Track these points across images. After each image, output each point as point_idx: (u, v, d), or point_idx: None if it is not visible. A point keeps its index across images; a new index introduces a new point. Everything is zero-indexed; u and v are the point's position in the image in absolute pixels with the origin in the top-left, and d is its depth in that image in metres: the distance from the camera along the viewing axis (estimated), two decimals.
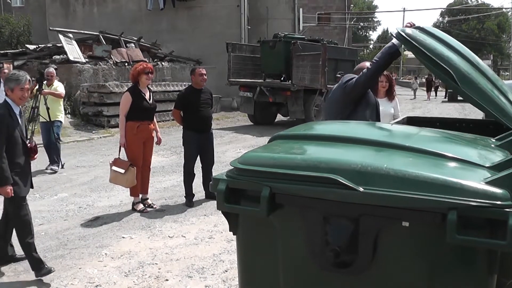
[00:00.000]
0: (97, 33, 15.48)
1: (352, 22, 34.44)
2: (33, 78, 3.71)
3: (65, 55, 13.37)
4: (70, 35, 14.37)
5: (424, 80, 33.55)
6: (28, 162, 3.79)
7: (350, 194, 1.68)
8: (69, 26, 16.48)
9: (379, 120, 3.40)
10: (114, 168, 5.26)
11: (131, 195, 5.56)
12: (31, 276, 3.73)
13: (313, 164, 1.80)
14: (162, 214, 5.36)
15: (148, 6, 18.74)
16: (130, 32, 16.79)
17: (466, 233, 1.53)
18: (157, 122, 6.00)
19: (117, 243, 4.47)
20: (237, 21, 18.60)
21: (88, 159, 8.51)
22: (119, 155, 5.41)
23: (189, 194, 5.79)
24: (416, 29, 2.61)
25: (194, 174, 5.86)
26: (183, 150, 5.97)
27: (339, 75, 10.66)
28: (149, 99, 5.49)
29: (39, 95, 7.20)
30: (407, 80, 45.88)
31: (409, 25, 2.82)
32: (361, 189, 1.67)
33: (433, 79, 28.30)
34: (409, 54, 51.60)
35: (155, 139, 5.74)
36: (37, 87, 7.16)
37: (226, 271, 3.85)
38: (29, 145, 3.76)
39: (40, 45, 15.03)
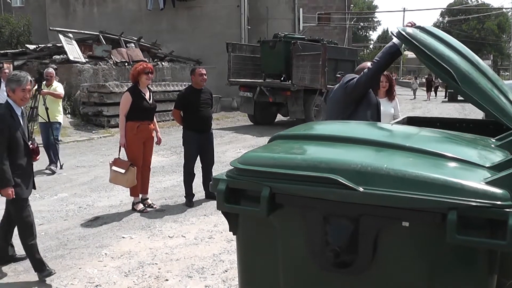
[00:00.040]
0: (97, 33, 15.48)
1: (352, 22, 34.44)
2: (32, 78, 3.70)
3: (65, 55, 13.37)
4: (70, 35, 14.36)
5: (424, 80, 33.55)
6: (30, 164, 3.76)
7: (350, 194, 1.67)
8: (69, 26, 16.48)
9: (379, 120, 3.40)
10: (114, 168, 5.26)
11: (131, 195, 5.56)
12: (31, 276, 3.73)
13: (313, 164, 1.80)
14: (162, 214, 5.36)
15: (148, 6, 18.74)
16: (130, 32, 16.79)
17: (466, 233, 1.53)
18: (157, 122, 6.00)
19: (117, 243, 4.47)
20: (237, 21, 18.60)
21: (88, 159, 8.50)
22: (119, 155, 5.41)
23: (189, 194, 5.79)
24: (417, 29, 2.61)
25: (194, 174, 5.86)
26: (183, 150, 5.97)
27: (339, 75, 10.67)
28: (149, 99, 5.49)
29: (38, 95, 7.20)
30: (407, 80, 45.87)
31: (409, 24, 2.82)
32: (361, 189, 1.66)
33: (433, 79, 28.31)
34: (409, 54, 51.66)
35: (155, 139, 5.74)
36: (36, 87, 7.16)
37: (226, 271, 3.85)
38: (31, 146, 3.73)
39: (40, 45, 15.03)
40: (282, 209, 1.83)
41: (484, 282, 1.63)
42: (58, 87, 7.54)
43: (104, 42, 15.05)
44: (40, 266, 3.65)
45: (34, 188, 3.86)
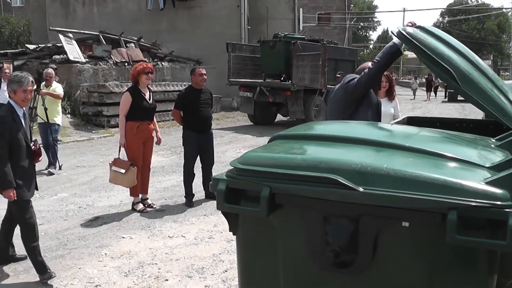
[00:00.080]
0: (97, 33, 15.48)
1: (352, 22, 34.43)
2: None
3: (65, 55, 13.37)
4: (70, 35, 14.36)
5: (424, 80, 33.54)
6: (33, 165, 3.74)
7: (350, 194, 1.67)
8: (69, 26, 16.48)
9: (380, 120, 3.40)
10: (114, 168, 5.26)
11: (131, 195, 5.56)
12: (31, 276, 3.73)
13: (313, 164, 1.80)
14: (162, 214, 5.36)
15: (148, 6, 18.74)
16: (130, 32, 16.79)
17: (466, 233, 1.53)
18: (157, 122, 6.00)
19: (117, 243, 4.47)
20: (237, 21, 18.60)
21: (88, 159, 8.50)
22: (119, 155, 5.41)
23: (189, 194, 5.79)
24: (417, 28, 2.61)
25: (194, 174, 5.86)
26: (183, 150, 5.97)
27: (339, 75, 10.68)
28: (149, 99, 5.49)
29: (37, 96, 7.19)
30: (407, 80, 45.87)
31: (410, 24, 2.82)
32: (361, 189, 1.66)
33: (433, 79, 28.30)
34: (409, 54, 51.69)
35: (155, 139, 5.74)
36: (34, 87, 7.14)
37: (226, 271, 3.85)
38: (33, 147, 3.71)
39: (40, 45, 15.02)
40: (282, 209, 1.82)
41: (484, 282, 1.63)
42: (57, 88, 7.53)
43: (104, 42, 15.05)
44: (41, 269, 3.64)
45: (37, 189, 3.85)
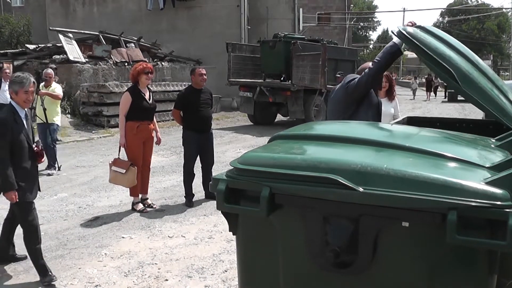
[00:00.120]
0: (97, 33, 15.47)
1: (352, 22, 34.43)
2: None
3: (65, 55, 13.36)
4: (70, 35, 14.36)
5: (423, 80, 33.54)
6: (35, 166, 3.72)
7: (350, 194, 1.67)
8: (69, 26, 16.48)
9: (380, 121, 3.40)
10: (114, 168, 5.26)
11: (131, 195, 5.55)
12: (31, 276, 3.73)
13: (313, 164, 1.80)
14: (162, 214, 5.36)
15: (148, 6, 18.74)
16: (130, 32, 16.79)
17: (466, 233, 1.53)
18: (157, 122, 6.00)
19: (117, 243, 4.47)
20: (237, 21, 18.60)
21: (88, 159, 8.50)
22: (119, 155, 5.41)
23: (189, 194, 5.79)
24: (417, 28, 2.61)
25: (194, 174, 5.86)
26: (183, 150, 5.97)
27: (339, 75, 10.69)
28: (149, 99, 5.49)
29: (36, 96, 7.18)
30: (407, 80, 45.87)
31: (410, 24, 2.82)
32: (360, 189, 1.66)
33: (433, 79, 28.30)
34: (409, 54, 51.68)
35: (155, 139, 5.74)
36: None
37: (226, 271, 3.85)
38: (35, 149, 3.69)
39: (40, 45, 15.02)
40: (282, 209, 1.82)
41: (484, 282, 1.63)
42: (56, 88, 7.51)
43: (104, 42, 15.04)
44: (43, 271, 3.63)
45: (39, 190, 3.84)
